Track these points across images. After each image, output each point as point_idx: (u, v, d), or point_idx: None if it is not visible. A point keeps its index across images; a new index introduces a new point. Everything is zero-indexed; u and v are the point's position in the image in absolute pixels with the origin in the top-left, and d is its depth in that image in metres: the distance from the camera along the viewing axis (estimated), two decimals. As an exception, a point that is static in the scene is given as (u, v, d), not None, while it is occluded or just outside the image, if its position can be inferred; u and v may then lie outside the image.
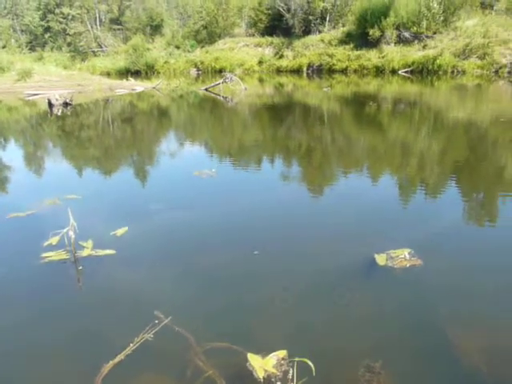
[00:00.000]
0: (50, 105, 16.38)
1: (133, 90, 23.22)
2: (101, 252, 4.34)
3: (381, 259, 3.94)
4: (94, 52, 38.07)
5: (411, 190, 7.72)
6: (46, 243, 4.53)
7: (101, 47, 38.35)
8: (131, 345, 2.96)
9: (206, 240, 4.85)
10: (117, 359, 2.84)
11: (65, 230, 4.35)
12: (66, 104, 16.91)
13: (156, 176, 7.98)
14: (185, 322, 3.27)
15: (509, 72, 24.06)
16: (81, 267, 4.18)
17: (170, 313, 3.36)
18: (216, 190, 6.90)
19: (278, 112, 19.08)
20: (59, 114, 16.63)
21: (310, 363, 2.36)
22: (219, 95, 21.14)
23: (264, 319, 3.40)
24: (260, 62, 32.24)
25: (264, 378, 2.65)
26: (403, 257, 3.94)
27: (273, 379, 2.66)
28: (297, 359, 2.40)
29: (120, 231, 4.82)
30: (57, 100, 16.51)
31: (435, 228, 5.12)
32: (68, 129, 15.57)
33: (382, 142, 12.75)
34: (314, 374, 2.35)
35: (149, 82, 25.83)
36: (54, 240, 4.52)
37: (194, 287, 3.89)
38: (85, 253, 4.33)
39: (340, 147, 12.55)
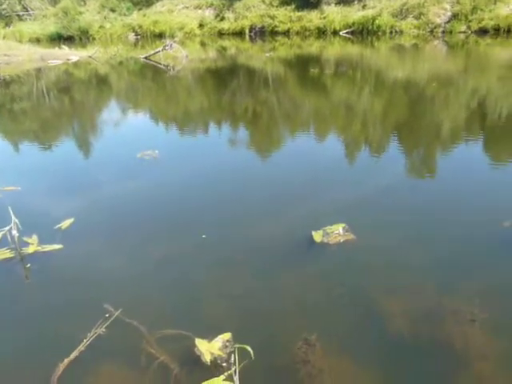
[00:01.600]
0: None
1: (67, 59, 21.94)
2: (48, 247, 4.36)
3: (317, 236, 4.26)
4: (19, 16, 35.16)
5: (353, 152, 8.18)
6: (-13, 243, 4.47)
7: (27, 10, 35.46)
8: (84, 341, 3.10)
9: (152, 226, 4.97)
10: (71, 356, 2.98)
11: (7, 228, 4.31)
12: (-7, 79, 15.77)
13: (98, 159, 7.84)
14: (135, 312, 3.44)
15: (443, 32, 24.93)
16: (28, 265, 4.20)
17: (120, 304, 3.52)
18: (161, 167, 6.94)
19: (222, 77, 18.85)
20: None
21: (249, 349, 2.63)
22: (160, 63, 20.49)
23: (206, 301, 3.63)
24: (201, 25, 31.28)
25: (211, 360, 2.91)
26: (338, 232, 4.28)
27: (219, 361, 2.93)
28: (237, 345, 2.66)
29: (65, 223, 4.83)
30: (-17, 75, 15.35)
31: (370, 196, 5.56)
32: (3, 114, 14.63)
33: (326, 104, 13.09)
34: (252, 357, 2.62)
35: (84, 51, 24.45)
36: (-5, 238, 4.47)
37: (140, 276, 4.05)
38: (30, 249, 4.33)
39: (285, 110, 12.76)
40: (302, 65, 20.59)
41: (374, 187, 5.92)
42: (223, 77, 18.86)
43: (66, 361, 2.94)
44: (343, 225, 4.41)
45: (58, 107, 15.30)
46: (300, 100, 14.19)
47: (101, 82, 19.64)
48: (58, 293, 3.85)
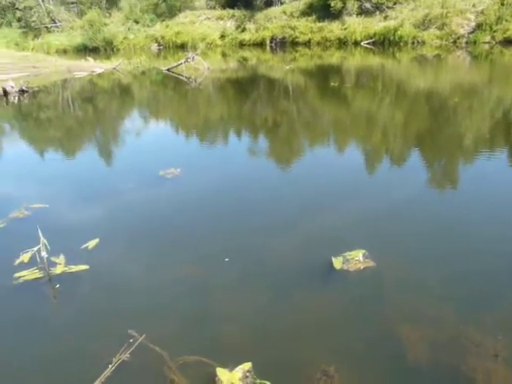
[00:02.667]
0: (5, 93, 15.76)
1: (92, 72, 22.49)
2: (74, 268, 4.50)
3: (337, 263, 4.28)
4: (47, 28, 36.26)
5: (374, 164, 8.21)
6: (17, 261, 4.64)
7: (54, 22, 36.54)
8: (110, 366, 3.20)
9: (175, 247, 5.07)
10: (97, 382, 3.08)
11: (36, 249, 4.48)
12: (22, 91, 16.30)
13: (122, 174, 8.03)
14: (158, 336, 3.53)
15: (466, 42, 24.62)
16: (57, 285, 4.34)
17: (144, 328, 3.61)
18: (183, 185, 7.08)
19: (243, 87, 19.04)
20: (15, 101, 16.07)
21: (268, 384, 2.68)
22: (181, 75, 20.81)
23: (226, 327, 3.69)
24: (222, 36, 31.67)
25: (232, 390, 2.97)
26: (358, 259, 4.29)
27: (239, 391, 2.99)
28: (258, 382, 2.71)
29: (91, 243, 4.97)
30: (12, 87, 15.89)
31: (391, 215, 5.59)
32: (27, 119, 15.07)
33: (346, 115, 13.10)
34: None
35: (109, 62, 25.01)
36: (25, 257, 4.64)
37: (163, 299, 4.14)
38: (58, 270, 4.48)
39: (305, 121, 12.82)
40: (323, 75, 20.62)
41: (395, 204, 5.94)
42: (244, 87, 19.05)
43: (93, 387, 3.04)
44: (363, 251, 4.43)
45: (82, 116, 15.70)
46: (320, 111, 14.23)
47: (123, 92, 20.07)
48: (84, 314, 3.96)
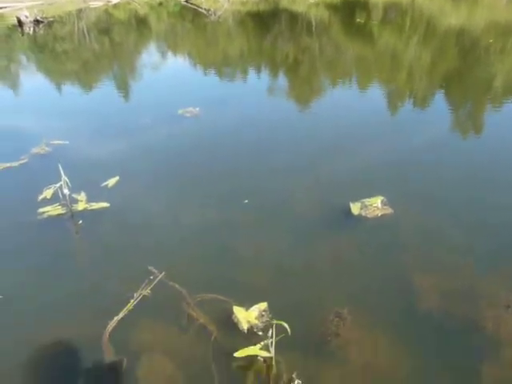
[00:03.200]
0: (20, 23, 15.37)
1: (108, 1, 21.63)
2: (95, 205, 4.60)
3: (355, 208, 4.27)
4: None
5: (396, 107, 8.01)
6: (40, 197, 4.75)
7: None
8: (131, 301, 3.35)
9: (194, 186, 5.12)
10: (120, 315, 3.25)
11: (58, 185, 4.56)
12: (37, 21, 15.87)
13: (140, 110, 7.95)
14: (177, 274, 3.65)
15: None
16: (80, 221, 4.46)
17: (163, 266, 3.73)
18: (201, 123, 7.02)
19: (264, 21, 18.21)
20: (31, 32, 15.73)
21: (286, 326, 2.77)
22: (200, 7, 19.90)
23: (243, 267, 3.79)
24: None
25: (248, 328, 3.10)
26: (376, 206, 4.27)
27: (255, 329, 3.12)
28: (275, 321, 2.81)
29: (111, 182, 5.03)
30: (26, 17, 15.46)
31: (412, 161, 5.50)
32: (43, 51, 14.79)
33: (371, 53, 12.54)
34: (289, 333, 2.77)
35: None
36: (48, 193, 4.74)
37: (182, 238, 4.24)
38: (80, 206, 4.58)
39: (327, 58, 12.35)
40: (349, 10, 19.51)
41: (417, 149, 5.83)
42: (265, 21, 18.21)
43: (116, 318, 3.20)
44: (382, 198, 4.39)
45: (99, 49, 15.34)
46: (344, 48, 13.61)
47: (140, 24, 19.40)
48: (105, 250, 4.11)
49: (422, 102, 8.31)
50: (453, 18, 16.75)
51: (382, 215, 4.24)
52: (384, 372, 2.87)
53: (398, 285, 3.56)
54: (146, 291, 3.46)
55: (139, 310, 3.34)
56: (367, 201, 4.36)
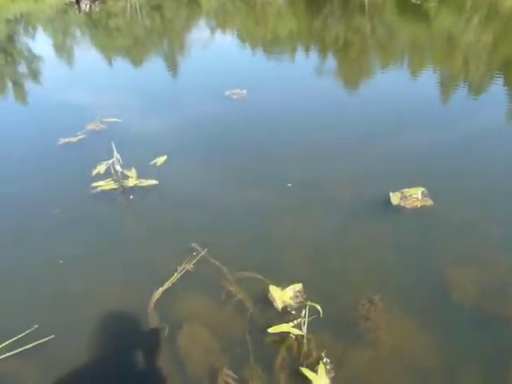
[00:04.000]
0: (78, 1, 15.93)
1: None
2: (145, 182, 4.89)
3: (395, 198, 4.30)
4: None
5: (448, 92, 7.79)
6: (94, 172, 5.10)
7: None
8: (175, 274, 3.62)
9: (239, 166, 5.31)
10: (165, 286, 3.52)
11: (110, 161, 4.88)
12: (93, -1, 16.40)
13: (189, 90, 8.19)
14: (218, 251, 3.87)
15: None
16: (131, 196, 4.77)
17: (206, 242, 3.96)
18: (249, 104, 7.15)
19: (315, 1, 17.84)
20: (87, 9, 16.27)
21: (319, 308, 2.93)
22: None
23: (282, 248, 3.96)
24: None
25: (282, 307, 3.28)
26: (416, 197, 4.28)
27: (289, 308, 3.29)
28: (309, 303, 2.97)
29: (159, 160, 5.31)
30: (84, -5, 16.00)
31: (459, 151, 5.45)
32: (98, 27, 15.29)
33: (425, 35, 12.10)
34: (321, 315, 2.93)
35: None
36: (101, 169, 5.08)
37: (225, 216, 4.46)
38: (130, 183, 4.89)
39: (379, 41, 12.04)
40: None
41: (466, 139, 5.69)
42: (315, 0, 17.84)
43: (161, 289, 3.48)
44: (422, 189, 4.38)
45: (150, 25, 15.66)
46: (397, 29, 13.19)
47: (191, 1, 19.53)
48: (153, 225, 4.40)
49: (477, 89, 8.00)
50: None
51: (421, 206, 4.25)
52: (412, 358, 2.97)
53: (432, 276, 3.60)
54: (189, 266, 3.71)
55: (182, 283, 3.59)
56: (407, 191, 4.37)
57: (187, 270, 3.69)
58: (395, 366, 2.93)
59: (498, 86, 7.92)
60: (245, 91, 7.42)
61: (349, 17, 15.24)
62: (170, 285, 3.55)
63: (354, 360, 2.97)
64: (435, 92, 7.69)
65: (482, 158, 5.25)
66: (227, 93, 7.45)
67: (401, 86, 8.06)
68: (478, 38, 11.61)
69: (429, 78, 8.43)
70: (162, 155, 5.39)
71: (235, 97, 7.33)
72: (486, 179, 4.84)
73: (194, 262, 3.76)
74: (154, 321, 3.29)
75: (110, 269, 3.84)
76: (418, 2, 15.59)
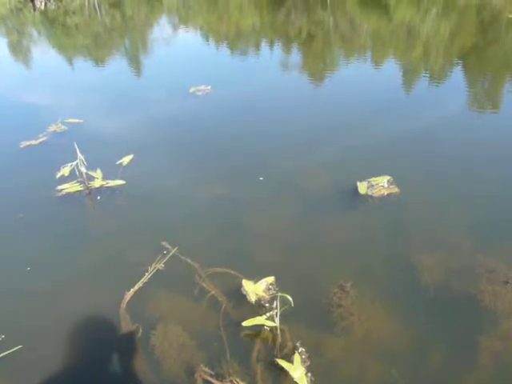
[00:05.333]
0: (32, -2, 15.41)
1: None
2: (111, 182, 4.79)
3: (362, 187, 4.38)
4: None
5: (411, 82, 7.96)
6: (58, 174, 4.95)
7: None
8: (146, 274, 3.57)
9: (207, 163, 5.27)
10: (136, 287, 3.46)
11: (74, 163, 4.75)
12: (49, -4, 15.87)
13: (152, 88, 8.06)
14: (189, 249, 3.84)
15: None
16: (99, 197, 4.66)
17: (176, 241, 3.92)
18: (213, 100, 7.11)
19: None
20: (42, 7, 15.75)
21: (290, 298, 2.95)
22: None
23: (253, 242, 3.98)
24: None
25: (255, 300, 3.29)
26: (382, 185, 4.37)
27: (262, 301, 3.31)
28: (280, 294, 2.99)
29: (126, 159, 5.21)
30: (39, -8, 15.46)
31: (422, 139, 5.56)
32: (55, 26, 14.83)
33: (386, 27, 12.33)
34: (292, 305, 2.96)
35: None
36: (65, 171, 4.94)
37: (194, 214, 4.42)
38: (96, 184, 4.77)
39: (342, 33, 12.18)
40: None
41: (429, 127, 5.84)
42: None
43: (132, 290, 3.42)
44: (388, 177, 4.49)
45: (110, 23, 15.30)
46: (359, 22, 13.37)
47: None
48: (121, 226, 4.32)
49: (437, 78, 8.22)
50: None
51: (388, 194, 4.35)
52: (384, 341, 3.04)
53: (401, 261, 3.70)
54: (160, 265, 3.67)
55: (154, 283, 3.55)
56: (374, 180, 4.46)
57: (158, 269, 3.65)
58: (368, 351, 2.99)
59: (457, 74, 8.16)
60: (209, 87, 7.38)
61: (312, 10, 15.35)
62: (141, 285, 3.50)
63: (329, 348, 3.02)
64: (398, 82, 7.85)
65: (444, 144, 5.41)
66: (192, 89, 7.38)
67: (365, 77, 8.19)
68: (436, 29, 11.92)
69: (391, 69, 8.61)
70: (128, 154, 5.29)
71: (200, 93, 7.27)
72: (448, 165, 4.99)
73: (165, 260, 3.72)
74: (126, 322, 3.23)
75: (79, 272, 3.75)
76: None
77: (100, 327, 3.26)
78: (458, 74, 8.16)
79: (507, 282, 3.41)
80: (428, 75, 8.36)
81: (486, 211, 4.22)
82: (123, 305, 3.33)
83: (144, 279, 3.54)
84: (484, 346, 2.95)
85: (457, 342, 3.02)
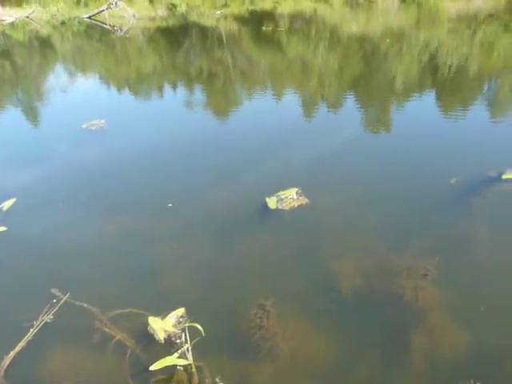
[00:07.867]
0: None
1: (1, 21, 20.28)
2: (-9, 230, 4.11)
3: (271, 202, 4.21)
4: None
5: (309, 110, 8.18)
6: None
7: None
8: (31, 330, 2.97)
9: (97, 201, 4.81)
10: (17, 348, 2.85)
11: None
12: None
13: (42, 131, 7.41)
14: (85, 293, 3.32)
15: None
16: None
17: (68, 287, 3.38)
18: (109, 137, 6.66)
19: (174, 36, 18.07)
20: None
21: (199, 327, 2.59)
22: (105, 23, 19.32)
23: (159, 275, 3.56)
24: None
25: (165, 338, 2.87)
26: (291, 197, 4.24)
27: (173, 337, 2.89)
28: (187, 324, 2.61)
29: (7, 204, 4.55)
30: None
31: (325, 157, 5.60)
32: None
33: (282, 62, 12.85)
34: (203, 334, 2.59)
35: (20, 10, 22.63)
36: None
37: (86, 255, 3.91)
38: (-29, 234, 4.07)
39: (241, 69, 12.45)
40: (256, 21, 19.99)
41: (329, 147, 5.94)
42: (175, 36, 18.07)
43: (12, 353, 2.81)
44: (296, 189, 4.38)
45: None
46: (255, 58, 13.84)
47: (43, 45, 18.41)
48: (2, 277, 3.65)
49: (333, 105, 8.59)
50: (353, 26, 17.78)
51: (298, 206, 4.22)
52: (314, 357, 2.79)
53: (319, 271, 3.52)
54: (49, 316, 3.09)
55: (43, 339, 2.97)
56: (282, 193, 4.32)
57: (47, 322, 3.07)
58: (299, 371, 2.71)
59: (350, 101, 8.59)
60: (103, 121, 6.91)
61: (209, 50, 15.65)
62: (24, 344, 2.89)
63: (255, 377, 2.68)
64: (298, 110, 8.04)
65: (344, 160, 5.51)
66: (84, 125, 6.87)
67: (266, 109, 8.28)
68: (326, 61, 12.71)
69: (291, 99, 8.83)
70: (10, 199, 4.63)
71: (93, 128, 6.77)
72: (351, 174, 5.06)
73: (56, 310, 3.15)
74: (6, 394, 2.62)
75: None
76: (269, 29, 16.69)
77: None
78: (350, 101, 8.60)
79: (426, 275, 3.37)
80: (325, 103, 8.72)
81: (392, 213, 4.25)
82: (0, 372, 2.70)
83: (28, 337, 2.93)
84: (414, 346, 2.82)
85: (387, 345, 2.86)
